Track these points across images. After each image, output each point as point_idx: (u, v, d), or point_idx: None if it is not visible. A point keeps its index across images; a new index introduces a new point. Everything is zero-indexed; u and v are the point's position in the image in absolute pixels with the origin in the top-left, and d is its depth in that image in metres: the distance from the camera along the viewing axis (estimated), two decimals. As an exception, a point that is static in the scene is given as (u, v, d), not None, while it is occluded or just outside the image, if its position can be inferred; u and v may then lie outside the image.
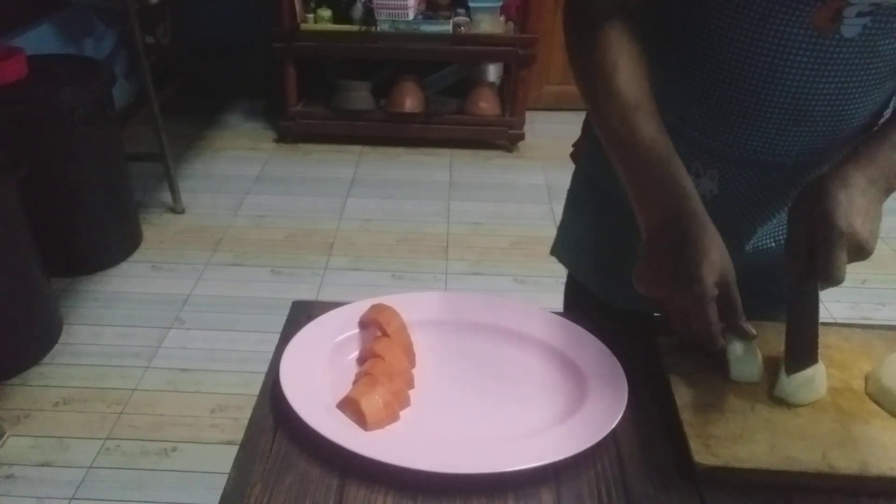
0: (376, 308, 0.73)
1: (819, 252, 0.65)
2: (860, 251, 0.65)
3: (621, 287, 0.90)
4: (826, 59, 0.67)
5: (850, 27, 0.65)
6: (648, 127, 0.68)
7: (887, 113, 0.78)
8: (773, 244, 0.84)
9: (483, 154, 3.18)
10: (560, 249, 1.05)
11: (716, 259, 0.64)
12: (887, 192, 0.69)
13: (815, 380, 0.65)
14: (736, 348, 0.67)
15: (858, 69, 0.68)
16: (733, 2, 0.68)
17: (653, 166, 0.68)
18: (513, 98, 3.09)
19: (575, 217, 1.01)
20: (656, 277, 0.67)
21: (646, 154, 0.68)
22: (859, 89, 0.70)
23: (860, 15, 0.65)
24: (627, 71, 0.70)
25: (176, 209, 2.65)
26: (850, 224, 0.64)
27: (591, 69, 0.72)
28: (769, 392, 0.66)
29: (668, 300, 0.67)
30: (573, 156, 1.00)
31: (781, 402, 0.65)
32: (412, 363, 0.71)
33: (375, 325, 0.72)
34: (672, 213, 0.67)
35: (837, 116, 0.72)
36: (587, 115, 0.93)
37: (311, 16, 2.99)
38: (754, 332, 0.66)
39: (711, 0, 0.69)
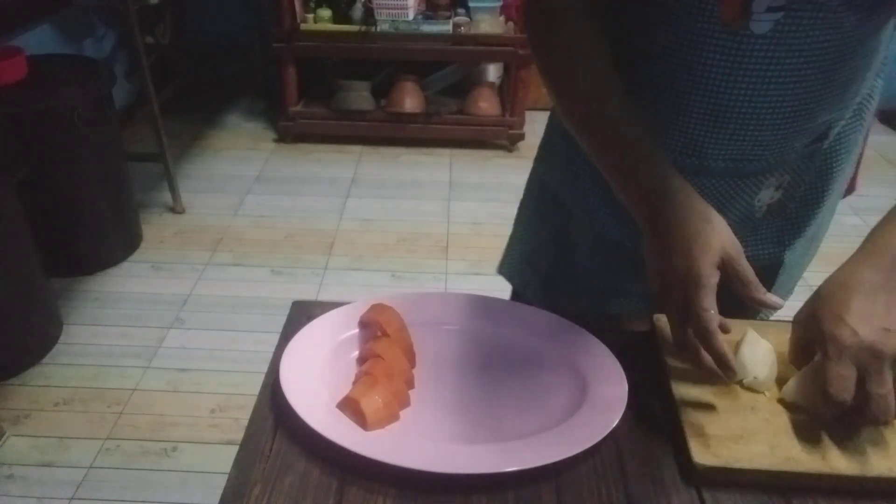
0: (376, 308, 0.73)
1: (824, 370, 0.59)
2: (877, 356, 0.57)
3: (571, 304, 0.90)
4: (740, 56, 0.66)
5: (761, 23, 0.64)
6: (613, 114, 0.68)
7: (834, 131, 0.76)
8: None
9: (483, 154, 3.18)
10: (507, 266, 1.02)
11: (710, 238, 0.61)
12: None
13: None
14: (748, 353, 0.66)
15: (774, 67, 0.67)
16: (645, 2, 0.69)
17: (624, 157, 0.67)
18: (513, 98, 3.09)
19: (524, 230, 0.99)
20: (653, 270, 0.66)
21: (614, 144, 0.68)
22: (777, 90, 0.68)
23: (770, 10, 0.63)
24: (591, 66, 0.70)
25: (176, 209, 2.65)
26: (854, 332, 0.58)
27: (555, 68, 0.73)
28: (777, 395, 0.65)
29: (668, 297, 0.64)
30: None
31: (781, 402, 0.65)
32: (412, 363, 0.71)
33: (375, 325, 0.72)
34: (652, 203, 0.65)
35: (760, 118, 0.70)
36: (549, 121, 0.92)
37: (311, 16, 2.99)
38: (779, 302, 0.63)
39: (631, 4, 0.70)
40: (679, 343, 0.63)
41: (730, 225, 0.63)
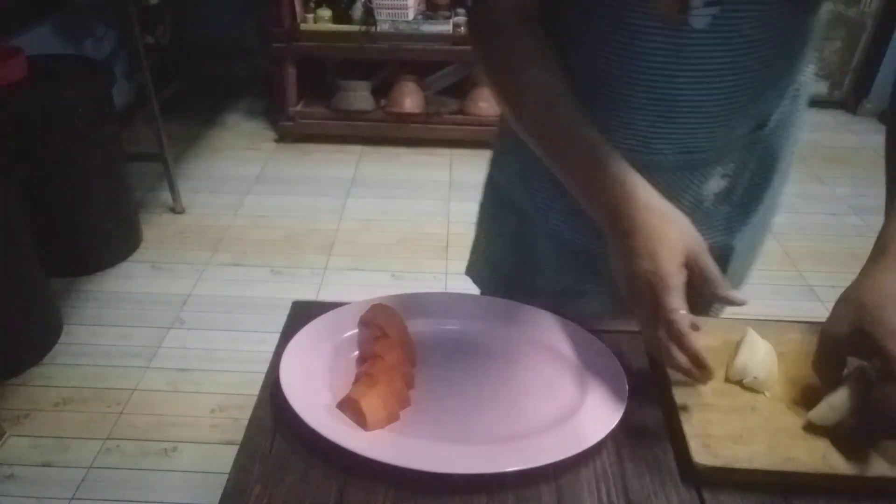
0: (376, 308, 0.73)
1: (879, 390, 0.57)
2: None
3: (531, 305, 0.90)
4: (680, 51, 0.67)
5: (699, 18, 0.65)
6: (564, 119, 0.68)
7: (774, 118, 0.78)
8: None
9: (483, 154, 3.14)
10: (471, 267, 1.03)
11: (673, 238, 0.61)
12: None
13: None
14: (747, 353, 0.66)
15: (714, 62, 0.68)
16: (586, 3, 0.69)
17: (580, 162, 0.67)
18: (513, 98, 3.09)
19: (484, 232, 0.99)
20: (620, 275, 0.65)
21: (568, 149, 0.68)
22: (719, 83, 0.69)
23: (708, 5, 0.64)
24: (538, 73, 0.70)
25: (176, 209, 2.65)
26: None
27: (501, 76, 0.73)
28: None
29: (636, 300, 0.63)
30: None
31: (781, 402, 0.65)
32: (412, 363, 0.71)
33: (375, 325, 0.72)
34: (612, 205, 0.65)
35: (704, 110, 0.71)
36: (500, 122, 0.93)
37: (311, 16, 2.99)
38: (744, 299, 0.62)
39: (572, 4, 0.70)
40: (651, 345, 0.63)
41: None
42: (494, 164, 0.94)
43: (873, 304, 0.58)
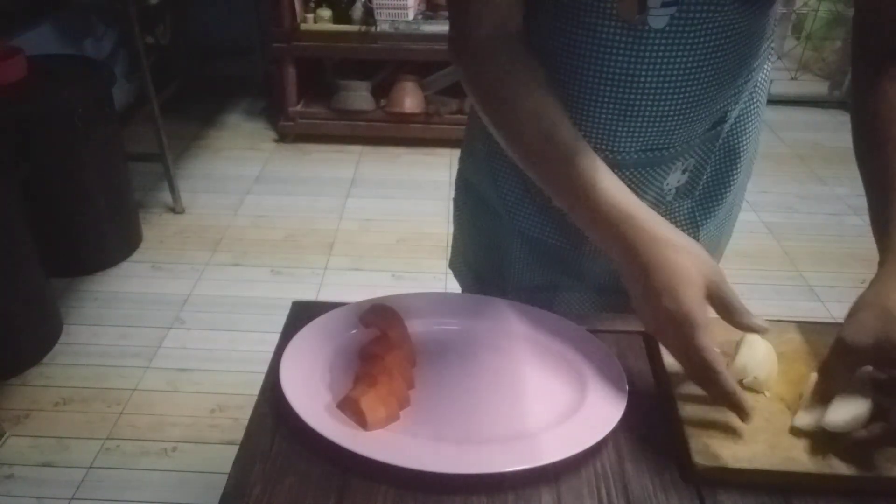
0: (376, 308, 0.73)
1: None
2: None
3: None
4: (640, 51, 0.68)
5: (657, 18, 0.66)
6: (561, 145, 0.67)
7: (732, 114, 0.78)
8: None
9: (483, 154, 3.18)
10: (454, 264, 1.04)
11: (691, 272, 0.60)
12: None
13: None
14: (747, 353, 0.65)
15: (673, 61, 0.68)
16: (548, 5, 0.69)
17: (584, 196, 0.65)
18: (513, 98, 3.09)
19: (458, 228, 0.99)
20: (644, 314, 0.64)
21: (569, 183, 0.67)
22: (678, 82, 0.70)
23: (665, 5, 0.65)
24: (530, 97, 0.69)
25: (176, 209, 2.65)
26: None
27: (492, 104, 0.72)
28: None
29: (665, 340, 0.63)
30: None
31: (781, 402, 0.65)
32: (412, 363, 0.71)
33: (375, 325, 0.72)
34: (622, 242, 0.63)
35: (665, 109, 0.71)
36: (469, 120, 0.92)
37: (311, 16, 2.99)
38: (766, 325, 0.60)
39: (535, 6, 0.70)
40: (693, 378, 0.62)
41: None
42: (464, 160, 0.95)
43: (889, 304, 0.56)
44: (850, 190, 2.92)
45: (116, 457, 1.67)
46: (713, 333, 0.59)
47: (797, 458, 0.59)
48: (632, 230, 0.63)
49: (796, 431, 0.61)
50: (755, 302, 0.63)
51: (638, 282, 0.63)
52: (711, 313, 0.61)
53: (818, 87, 3.78)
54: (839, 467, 0.58)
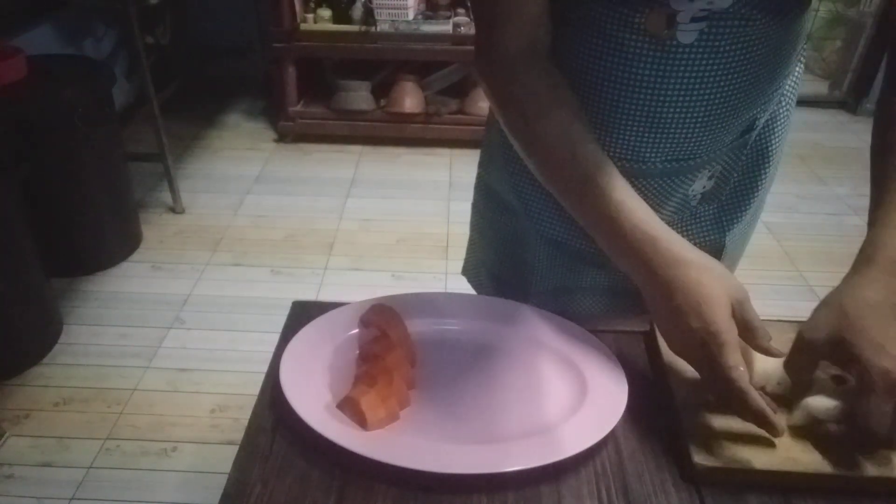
0: (376, 308, 0.73)
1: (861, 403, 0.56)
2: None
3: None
4: (668, 66, 0.67)
5: (686, 33, 0.65)
6: (586, 170, 0.67)
7: (760, 121, 0.78)
8: None
9: (483, 154, 3.18)
10: (467, 268, 1.03)
11: (716, 291, 0.59)
12: None
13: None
14: (761, 360, 0.63)
15: (702, 75, 0.68)
16: (574, 18, 0.69)
17: (605, 218, 0.65)
18: (513, 98, 3.09)
19: (477, 232, 0.99)
20: (670, 335, 0.64)
21: (591, 204, 0.67)
22: (707, 95, 0.69)
23: (695, 20, 0.64)
24: (557, 117, 0.68)
25: (176, 209, 2.65)
26: (890, 366, 0.54)
27: (518, 124, 0.71)
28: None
29: (691, 360, 0.62)
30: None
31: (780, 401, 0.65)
32: (412, 363, 0.71)
33: (375, 325, 0.72)
34: (644, 265, 0.63)
35: (692, 121, 0.71)
36: (487, 126, 0.91)
37: (310, 16, 2.99)
38: (781, 353, 0.60)
39: (560, 19, 0.70)
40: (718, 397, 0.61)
41: (668, 214, 0.63)
42: (484, 165, 0.94)
43: (854, 312, 0.57)
44: (850, 190, 2.92)
45: (116, 457, 1.67)
46: (740, 352, 0.58)
47: (797, 458, 0.59)
48: (654, 252, 0.63)
49: (793, 430, 0.61)
50: (755, 302, 0.62)
51: (662, 303, 0.63)
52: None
53: (818, 87, 3.78)
54: (839, 467, 0.58)
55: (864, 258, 0.61)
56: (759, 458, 0.59)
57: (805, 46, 0.79)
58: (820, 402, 0.61)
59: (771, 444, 0.60)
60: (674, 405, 0.64)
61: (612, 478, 0.60)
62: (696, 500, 0.58)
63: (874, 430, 0.56)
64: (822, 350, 0.59)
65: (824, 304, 0.60)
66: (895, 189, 0.63)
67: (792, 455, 0.59)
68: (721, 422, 0.62)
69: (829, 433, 0.61)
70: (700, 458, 0.59)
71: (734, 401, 0.58)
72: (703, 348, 0.59)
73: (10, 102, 1.95)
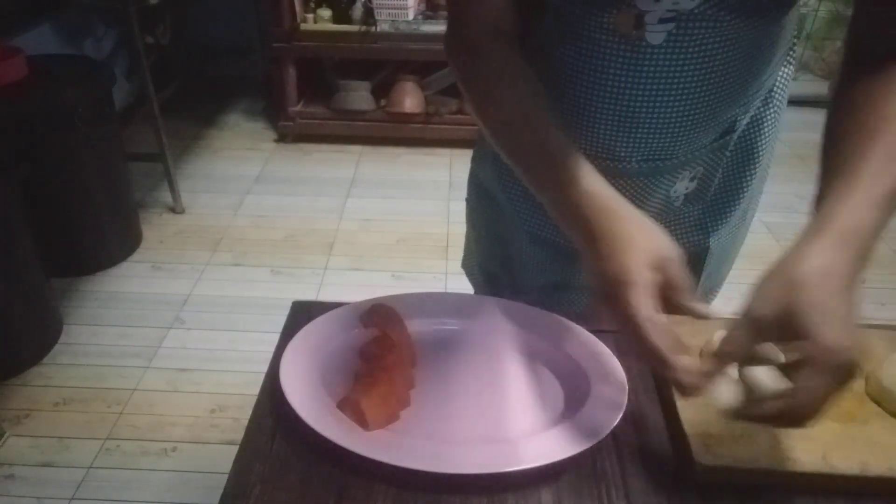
0: (376, 308, 0.73)
1: (802, 375, 0.50)
2: (853, 369, 0.50)
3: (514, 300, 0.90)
4: (639, 65, 0.67)
5: (655, 34, 0.66)
6: (537, 136, 0.67)
7: (742, 122, 0.77)
8: None
9: (483, 154, 3.18)
10: (466, 264, 1.04)
11: (634, 237, 0.58)
12: (863, 262, 0.54)
13: None
14: (757, 376, 0.59)
15: (672, 76, 0.68)
16: (548, 16, 0.69)
17: (553, 180, 0.64)
18: (513, 98, 3.09)
19: (470, 226, 1.00)
20: (591, 283, 0.61)
21: (540, 167, 0.67)
22: (678, 96, 0.69)
23: (663, 21, 0.65)
24: (514, 92, 0.69)
25: (176, 209, 2.65)
26: (847, 344, 0.49)
27: (477, 94, 0.72)
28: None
29: (604, 303, 0.59)
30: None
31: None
32: (412, 363, 0.71)
33: (375, 325, 0.72)
34: (582, 219, 0.62)
35: (666, 121, 0.71)
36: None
37: (310, 16, 2.99)
38: (706, 311, 0.57)
39: (532, 15, 0.70)
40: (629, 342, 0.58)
41: (651, 215, 0.60)
42: (476, 160, 0.95)
43: (807, 282, 0.52)
44: (850, 190, 2.91)
45: (116, 457, 1.67)
46: (651, 295, 0.55)
47: (797, 458, 0.59)
48: (594, 208, 0.61)
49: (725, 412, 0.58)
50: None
51: (588, 254, 0.61)
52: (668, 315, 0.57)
53: (818, 87, 3.78)
54: (839, 467, 0.58)
55: (813, 230, 0.55)
56: (759, 458, 0.59)
57: (794, 47, 0.79)
58: (762, 374, 0.56)
59: (771, 444, 0.60)
60: (674, 405, 0.64)
61: (612, 478, 0.60)
62: (696, 500, 0.58)
63: (799, 405, 0.50)
64: (770, 325, 0.53)
65: (772, 275, 0.54)
66: (849, 172, 0.58)
67: (792, 455, 0.59)
68: (721, 422, 0.62)
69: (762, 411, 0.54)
70: (700, 458, 0.59)
71: (633, 341, 0.55)
72: (615, 290, 0.56)
73: (10, 102, 1.95)
